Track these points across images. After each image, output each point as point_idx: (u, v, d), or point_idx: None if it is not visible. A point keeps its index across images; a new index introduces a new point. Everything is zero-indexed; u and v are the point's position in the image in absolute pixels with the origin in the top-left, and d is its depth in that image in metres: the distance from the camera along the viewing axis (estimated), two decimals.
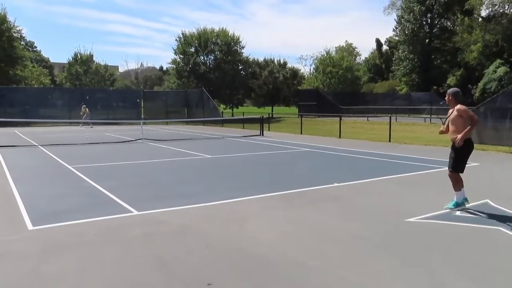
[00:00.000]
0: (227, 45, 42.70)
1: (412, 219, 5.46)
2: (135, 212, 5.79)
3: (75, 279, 3.64)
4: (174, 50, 43.76)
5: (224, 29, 43.67)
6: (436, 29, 55.24)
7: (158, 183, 8.19)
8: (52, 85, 49.01)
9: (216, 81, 41.51)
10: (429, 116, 33.81)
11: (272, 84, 51.50)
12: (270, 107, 55.06)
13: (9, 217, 5.56)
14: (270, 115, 35.42)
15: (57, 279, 3.62)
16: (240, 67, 45.21)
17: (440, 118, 6.18)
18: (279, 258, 4.11)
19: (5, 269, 3.85)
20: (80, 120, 27.23)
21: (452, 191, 6.00)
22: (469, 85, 47.67)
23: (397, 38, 59.90)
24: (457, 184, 5.92)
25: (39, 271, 3.80)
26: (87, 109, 28.53)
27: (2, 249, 4.36)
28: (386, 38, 70.10)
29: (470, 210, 5.88)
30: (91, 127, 27.13)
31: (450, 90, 6.04)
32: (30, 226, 5.13)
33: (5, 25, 34.95)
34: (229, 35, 43.48)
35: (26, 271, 3.81)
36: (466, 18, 46.80)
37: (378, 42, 72.70)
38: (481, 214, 5.71)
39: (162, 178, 8.80)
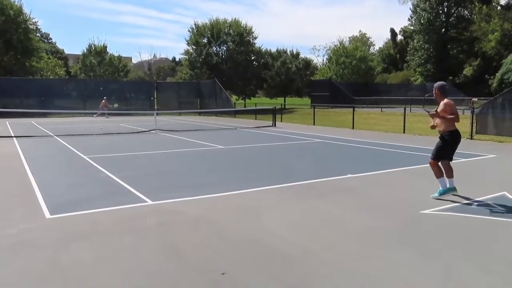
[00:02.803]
0: (240, 36, 42.50)
1: (427, 211, 5.40)
2: (150, 202, 5.85)
3: (92, 268, 3.71)
4: (187, 41, 43.84)
5: (236, 19, 43.52)
6: (452, 18, 54.08)
7: (171, 173, 8.25)
8: (67, 76, 49.59)
9: (228, 72, 41.44)
10: None
11: (285, 75, 51.12)
12: (283, 98, 54.77)
13: (28, 206, 5.67)
14: (283, 106, 35.29)
15: (75, 268, 3.69)
16: (252, 58, 45.02)
17: (428, 111, 6.24)
18: (292, 249, 4.12)
19: (25, 257, 3.93)
20: (105, 111, 27.75)
21: (470, 182, 5.93)
22: (486, 76, 46.74)
23: (412, 27, 58.81)
24: (439, 172, 5.98)
25: (58, 260, 3.88)
26: (105, 101, 28.99)
27: (21, 237, 4.46)
28: (401, 28, 68.98)
29: (487, 202, 5.80)
30: (107, 117, 27.56)
31: (436, 84, 6.17)
32: (47, 215, 5.23)
33: (21, 17, 35.39)
34: (242, 25, 43.27)
35: (45, 259, 3.89)
36: (484, 7, 45.72)
37: (392, 32, 71.65)
38: (498, 207, 5.62)
39: (176, 168, 8.86)
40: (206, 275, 3.53)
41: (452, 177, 6.02)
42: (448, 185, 6.01)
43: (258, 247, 4.19)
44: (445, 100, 5.94)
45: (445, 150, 6.00)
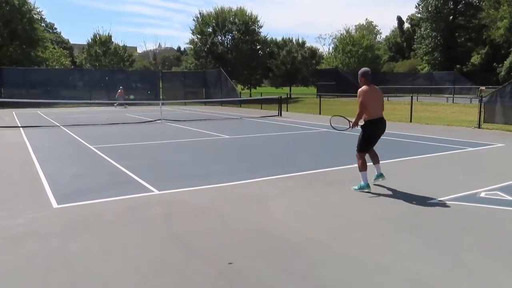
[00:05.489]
0: (245, 25, 42.19)
1: (434, 201, 5.36)
2: (156, 192, 5.86)
3: (99, 257, 3.72)
4: (192, 30, 43.60)
5: (241, 8, 43.17)
6: (461, 5, 53.25)
7: (177, 163, 8.26)
8: (72, 66, 49.63)
9: (234, 61, 41.25)
10: (452, 96, 32.96)
11: (291, 64, 50.80)
12: (288, 88, 54.51)
13: (35, 196, 5.70)
14: (288, 96, 35.12)
15: (82, 257, 3.71)
16: (258, 47, 44.72)
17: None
18: (299, 239, 4.11)
19: (33, 246, 3.96)
20: (121, 102, 27.79)
21: (478, 171, 5.86)
22: (494, 64, 46.17)
23: (419, 15, 58.03)
24: (363, 165, 5.81)
25: (65, 249, 3.89)
26: (121, 91, 29.08)
27: (29, 227, 4.49)
28: (408, 16, 67.99)
29: (495, 192, 5.74)
30: (125, 107, 27.72)
31: (360, 71, 5.88)
32: (55, 205, 5.25)
33: (26, 6, 35.34)
34: (247, 14, 42.92)
35: (52, 248, 3.91)
36: None
37: (399, 19, 70.61)
38: (506, 196, 5.56)
39: (182, 158, 8.86)
40: (212, 265, 3.53)
41: (378, 163, 5.99)
42: (375, 172, 6.01)
43: (264, 236, 4.19)
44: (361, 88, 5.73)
45: (364, 142, 5.82)
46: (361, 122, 5.83)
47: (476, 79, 42.97)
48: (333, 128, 6.56)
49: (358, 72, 5.92)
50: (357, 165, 5.88)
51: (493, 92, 15.00)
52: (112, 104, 27.96)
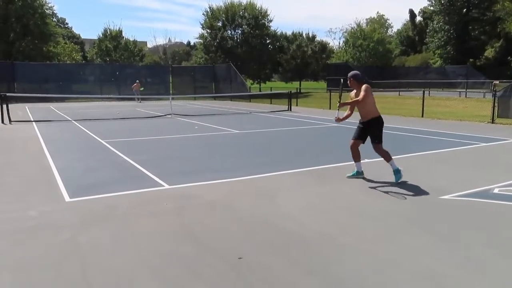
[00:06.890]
0: (255, 19, 42.02)
1: (446, 197, 5.30)
2: (166, 186, 5.88)
3: (110, 250, 3.76)
4: (202, 24, 43.56)
5: (251, 2, 42.95)
6: None
7: (188, 157, 8.29)
8: (83, 61, 50.03)
9: (243, 55, 41.15)
10: (465, 90, 32.51)
11: (300, 59, 50.60)
12: (298, 82, 54.29)
13: (48, 189, 5.77)
14: (298, 90, 34.98)
15: (93, 250, 3.75)
16: (267, 41, 44.55)
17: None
18: (310, 233, 4.10)
19: (46, 239, 4.01)
20: (138, 96, 28.00)
21: (491, 167, 5.78)
22: (508, 57, 45.37)
23: (432, 8, 57.19)
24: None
25: (77, 242, 3.94)
26: (138, 84, 29.34)
27: (42, 220, 4.55)
28: (420, 9, 67.11)
29: (508, 188, 5.65)
30: (139, 101, 28.06)
31: (350, 74, 6.37)
32: (67, 198, 5.31)
33: (38, 1, 35.63)
34: (257, 8, 42.73)
35: (64, 241, 3.96)
36: None
37: (411, 13, 69.75)
38: None
39: (192, 152, 8.89)
40: (223, 259, 3.54)
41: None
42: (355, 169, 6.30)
43: (275, 231, 4.18)
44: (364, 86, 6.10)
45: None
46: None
47: (489, 73, 42.28)
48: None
49: (348, 74, 6.38)
50: (359, 159, 5.86)
51: (507, 86, 14.76)
52: (133, 99, 28.17)
